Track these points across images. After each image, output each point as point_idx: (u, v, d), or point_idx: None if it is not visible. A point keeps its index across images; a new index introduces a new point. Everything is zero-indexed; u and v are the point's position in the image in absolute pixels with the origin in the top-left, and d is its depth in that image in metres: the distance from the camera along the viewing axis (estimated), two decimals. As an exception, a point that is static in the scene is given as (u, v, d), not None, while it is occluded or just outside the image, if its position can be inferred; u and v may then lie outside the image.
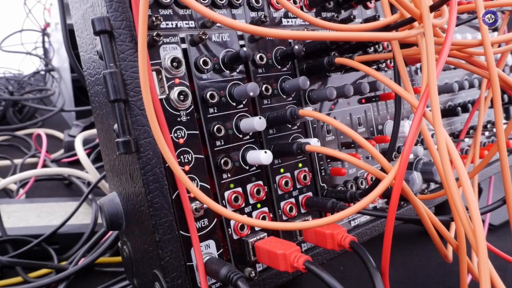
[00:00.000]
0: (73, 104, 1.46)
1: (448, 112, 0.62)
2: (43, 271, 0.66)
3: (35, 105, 1.52)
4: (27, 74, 1.96)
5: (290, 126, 0.45)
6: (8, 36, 1.97)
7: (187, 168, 0.38)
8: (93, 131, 1.14)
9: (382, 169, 0.39)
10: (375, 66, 0.53)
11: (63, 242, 0.71)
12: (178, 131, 0.38)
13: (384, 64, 0.55)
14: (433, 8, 0.35)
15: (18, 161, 1.12)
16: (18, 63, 2.07)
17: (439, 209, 0.71)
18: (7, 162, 1.13)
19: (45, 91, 1.68)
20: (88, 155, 1.00)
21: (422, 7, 0.35)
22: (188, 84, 0.38)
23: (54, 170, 0.95)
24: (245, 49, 0.39)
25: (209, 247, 0.39)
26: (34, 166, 1.13)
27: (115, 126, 0.35)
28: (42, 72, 1.90)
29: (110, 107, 0.39)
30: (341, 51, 0.47)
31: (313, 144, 0.41)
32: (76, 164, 1.08)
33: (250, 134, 0.42)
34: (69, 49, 0.66)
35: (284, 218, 0.44)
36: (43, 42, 1.95)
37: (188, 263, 0.38)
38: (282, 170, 0.44)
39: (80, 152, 0.91)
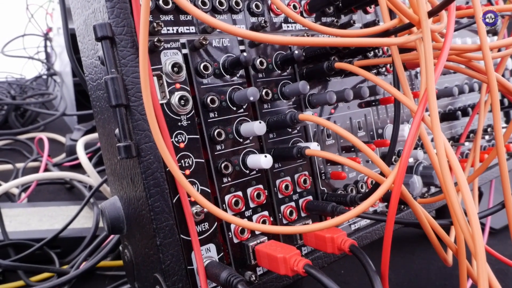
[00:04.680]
0: (75, 108, 1.47)
1: (448, 116, 0.62)
2: (45, 275, 0.66)
3: (37, 109, 1.53)
4: (29, 78, 1.96)
5: (290, 130, 0.46)
6: (11, 41, 1.98)
7: (187, 172, 0.38)
8: (95, 135, 1.14)
9: (382, 173, 0.39)
10: (374, 71, 0.54)
11: (65, 246, 0.71)
12: (179, 136, 0.38)
13: (384, 69, 0.55)
14: (431, 14, 0.35)
15: (20, 165, 1.13)
16: (20, 68, 2.08)
17: (440, 213, 0.71)
18: (9, 166, 1.13)
19: (47, 95, 1.69)
20: (90, 159, 1.00)
21: (420, 12, 0.35)
22: (188, 89, 0.39)
23: (56, 174, 0.96)
24: (245, 54, 0.39)
25: (210, 251, 0.39)
26: (36, 170, 1.13)
27: (116, 131, 0.36)
28: (44, 77, 1.91)
29: (111, 112, 0.39)
30: (341, 55, 0.48)
31: (313, 148, 0.41)
32: (78, 168, 1.09)
33: (251, 138, 0.43)
34: (71, 53, 0.67)
35: (285, 221, 0.44)
36: (45, 46, 1.96)
37: (188, 267, 0.38)
38: (282, 174, 0.45)
39: (82, 156, 0.91)
